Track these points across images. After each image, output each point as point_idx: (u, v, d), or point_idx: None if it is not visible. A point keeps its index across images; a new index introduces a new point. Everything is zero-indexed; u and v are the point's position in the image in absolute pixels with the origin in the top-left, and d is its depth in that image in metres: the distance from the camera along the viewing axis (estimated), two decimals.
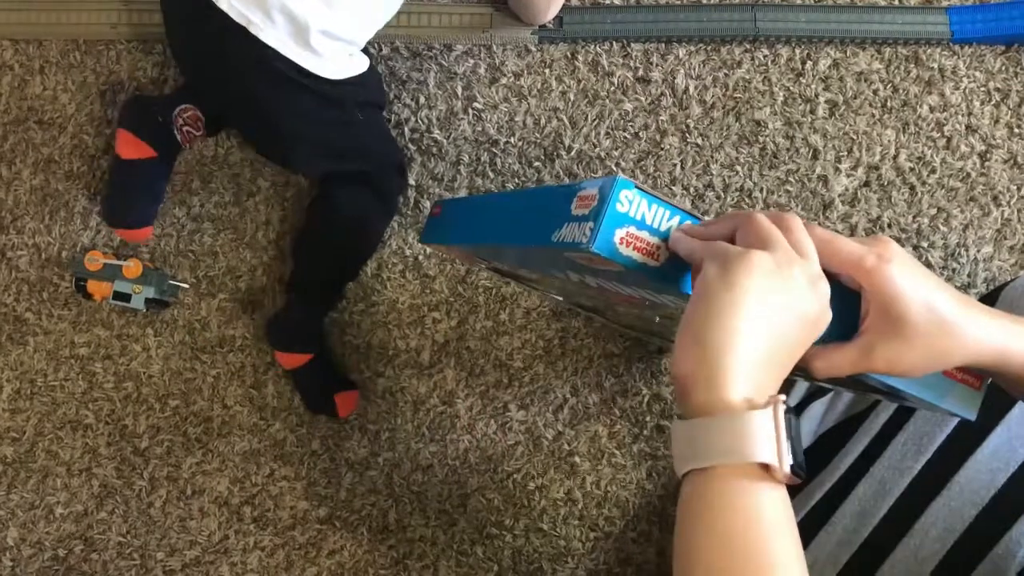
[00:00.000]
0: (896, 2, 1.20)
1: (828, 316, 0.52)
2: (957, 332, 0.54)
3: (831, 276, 0.54)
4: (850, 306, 0.55)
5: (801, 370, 0.67)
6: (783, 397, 0.48)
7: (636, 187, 0.53)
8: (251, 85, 1.01)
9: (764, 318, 0.49)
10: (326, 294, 1.16)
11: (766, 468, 0.47)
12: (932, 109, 1.18)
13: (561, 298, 1.06)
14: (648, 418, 1.14)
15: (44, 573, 1.16)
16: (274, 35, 0.96)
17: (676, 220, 0.55)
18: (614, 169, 1.18)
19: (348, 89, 1.04)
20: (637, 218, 0.53)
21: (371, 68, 1.09)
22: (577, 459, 1.14)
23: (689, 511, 0.49)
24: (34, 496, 1.17)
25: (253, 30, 0.96)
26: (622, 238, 0.53)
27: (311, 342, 1.13)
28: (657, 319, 0.81)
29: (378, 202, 1.14)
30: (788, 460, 0.47)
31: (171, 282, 1.17)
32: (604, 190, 0.53)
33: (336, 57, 1.02)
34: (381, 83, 1.17)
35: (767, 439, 0.47)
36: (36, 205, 1.21)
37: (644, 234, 0.54)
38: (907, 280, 0.53)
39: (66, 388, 1.18)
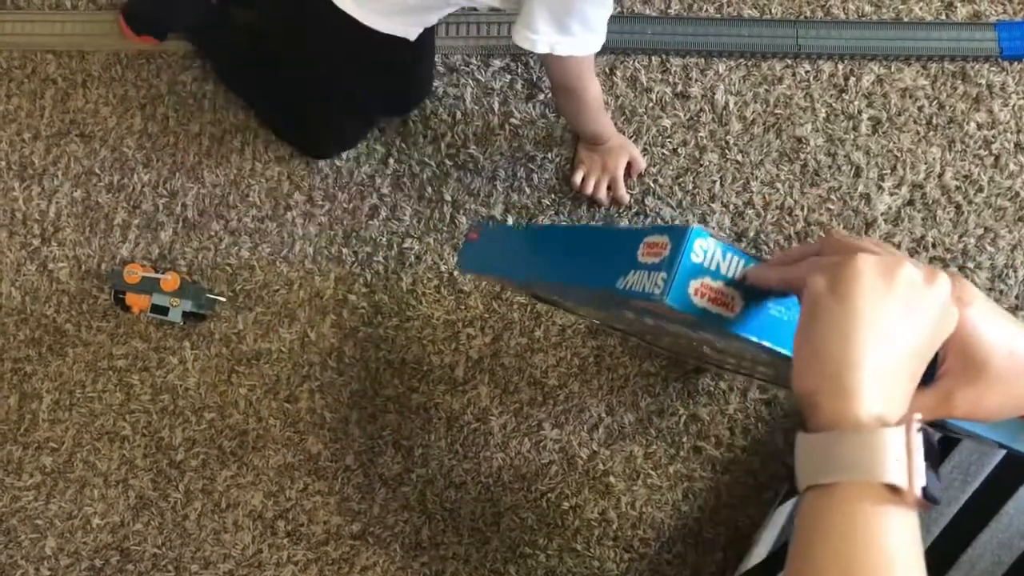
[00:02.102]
0: (943, 17, 1.18)
1: (954, 314, 0.48)
2: None
3: None
4: None
5: None
6: (918, 415, 0.45)
7: (711, 236, 0.51)
8: None
9: (885, 325, 0.46)
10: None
11: (894, 490, 0.44)
12: (980, 126, 1.15)
13: (598, 321, 1.05)
14: (685, 439, 1.13)
15: None
16: None
17: (750, 269, 0.53)
18: (651, 185, 1.17)
19: None
20: (712, 268, 0.51)
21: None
22: (612, 479, 1.13)
23: (807, 528, 0.46)
24: (72, 506, 1.18)
25: None
26: (696, 289, 0.51)
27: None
28: (706, 348, 0.80)
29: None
30: (920, 482, 0.44)
31: (208, 295, 1.18)
32: (677, 239, 0.51)
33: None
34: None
35: (897, 459, 0.44)
36: (77, 217, 1.22)
37: (719, 284, 0.52)
38: (988, 324, 0.51)
39: (104, 399, 1.19)
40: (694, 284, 0.51)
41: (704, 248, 0.51)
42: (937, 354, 0.53)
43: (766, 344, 0.53)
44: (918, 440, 0.44)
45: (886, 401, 0.46)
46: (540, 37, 0.92)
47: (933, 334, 0.48)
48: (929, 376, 0.53)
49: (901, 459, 0.44)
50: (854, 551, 0.44)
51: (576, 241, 0.67)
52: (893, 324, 0.46)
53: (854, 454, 0.45)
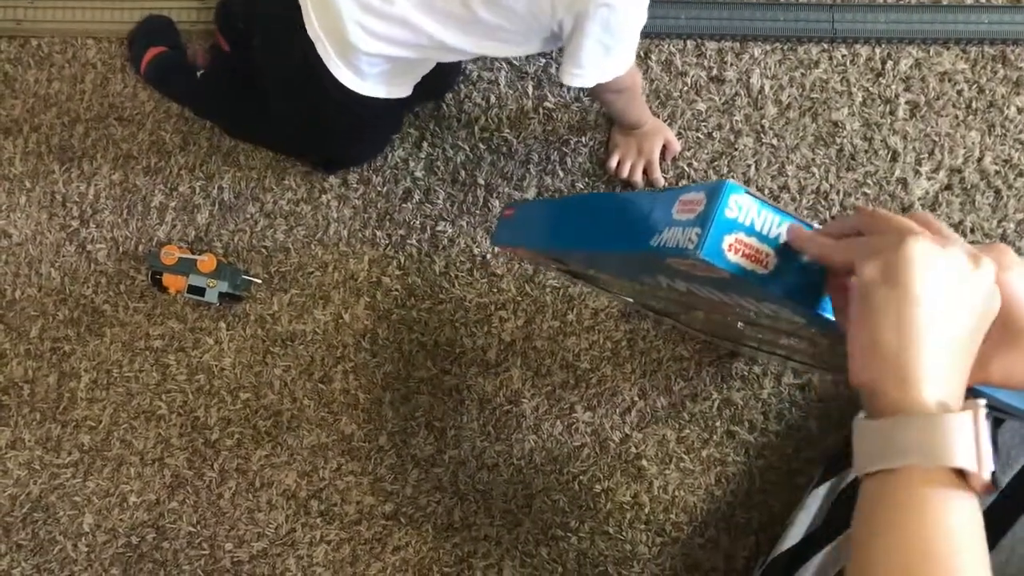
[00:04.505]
0: (983, 0, 1.16)
1: (998, 294, 0.48)
2: None
3: None
4: None
5: None
6: (983, 401, 0.45)
7: (746, 192, 0.51)
8: None
9: (940, 310, 0.46)
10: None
11: (960, 474, 0.44)
12: (1020, 110, 1.14)
13: (631, 300, 1.05)
14: (718, 423, 1.12)
15: (117, 559, 1.19)
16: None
17: (786, 226, 0.52)
18: (686, 169, 1.17)
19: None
20: (746, 224, 0.51)
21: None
22: (644, 463, 1.13)
23: (871, 512, 0.47)
24: (109, 484, 1.20)
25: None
26: (731, 244, 0.51)
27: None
28: (740, 325, 0.79)
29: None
30: (989, 467, 0.44)
31: (244, 277, 1.19)
32: (712, 194, 0.51)
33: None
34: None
35: (967, 443, 0.44)
36: (115, 200, 1.24)
37: (753, 240, 0.51)
38: None
39: (141, 379, 1.21)
40: (728, 239, 0.51)
41: (739, 203, 0.51)
42: None
43: (797, 302, 0.53)
44: (986, 425, 0.44)
45: (947, 384, 0.46)
46: (585, 71, 0.92)
47: (983, 315, 0.48)
48: None
49: (970, 444, 0.44)
50: (920, 534, 0.44)
51: (611, 206, 0.67)
52: (947, 308, 0.46)
53: (920, 438, 0.45)
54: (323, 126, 1.11)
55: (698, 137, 1.17)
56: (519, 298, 1.17)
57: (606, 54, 0.91)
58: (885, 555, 0.45)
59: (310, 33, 0.97)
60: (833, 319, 0.53)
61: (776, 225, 0.52)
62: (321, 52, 0.97)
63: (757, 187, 1.15)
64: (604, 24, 0.87)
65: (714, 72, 1.18)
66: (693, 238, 0.51)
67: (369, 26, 0.93)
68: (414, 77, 1.06)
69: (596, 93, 1.02)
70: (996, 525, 0.84)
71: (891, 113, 1.15)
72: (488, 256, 1.18)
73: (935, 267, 0.46)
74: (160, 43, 1.23)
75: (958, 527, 0.44)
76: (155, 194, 1.24)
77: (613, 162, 1.15)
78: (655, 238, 0.55)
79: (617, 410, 1.14)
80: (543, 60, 1.20)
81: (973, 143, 1.14)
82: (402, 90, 1.06)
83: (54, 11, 1.29)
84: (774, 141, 1.16)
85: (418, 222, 1.19)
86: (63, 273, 1.24)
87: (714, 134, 1.17)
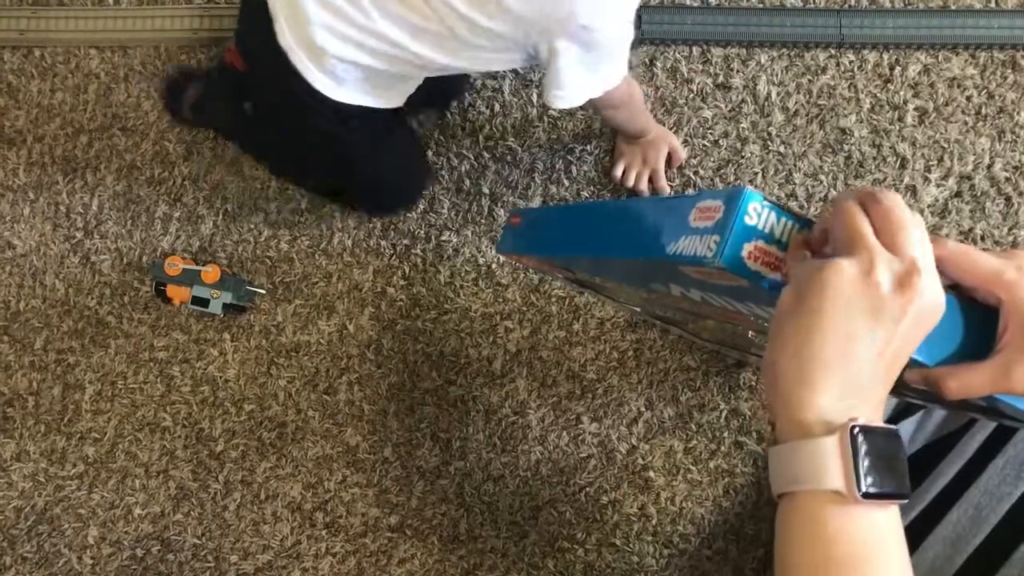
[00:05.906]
0: (992, 5, 1.15)
1: (934, 311, 0.47)
2: None
3: (966, 291, 0.51)
4: (986, 322, 0.51)
5: (911, 390, 0.64)
6: (861, 420, 0.46)
7: (765, 198, 0.50)
8: None
9: (840, 337, 0.46)
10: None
11: (842, 494, 0.46)
12: None
13: (638, 309, 1.04)
14: (726, 434, 1.11)
15: (122, 572, 1.18)
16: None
17: (805, 233, 0.52)
18: (692, 177, 1.16)
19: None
20: (766, 231, 0.50)
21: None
22: (652, 474, 1.12)
23: (780, 534, 0.49)
24: (114, 496, 1.19)
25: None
26: (750, 252, 0.50)
27: None
28: (751, 334, 0.78)
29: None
30: (858, 487, 0.45)
31: (248, 287, 1.18)
32: (731, 202, 0.50)
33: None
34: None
35: (834, 465, 0.46)
36: (119, 210, 1.24)
37: (773, 248, 0.51)
38: None
39: (145, 391, 1.20)
40: (747, 247, 0.50)
41: (758, 211, 0.50)
42: (997, 326, 0.51)
43: None
44: (859, 443, 0.46)
45: (838, 408, 0.47)
46: (568, 92, 0.90)
47: (904, 337, 0.47)
48: (988, 349, 0.51)
49: (836, 466, 0.46)
50: (823, 550, 0.47)
51: (623, 213, 0.67)
52: (852, 333, 0.46)
53: (798, 465, 0.48)
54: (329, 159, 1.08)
55: (704, 145, 1.16)
56: (524, 308, 1.16)
57: (589, 72, 0.88)
58: (793, 568, 0.48)
59: (282, 44, 0.92)
60: None
61: (796, 232, 0.52)
62: (295, 61, 0.93)
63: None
64: (584, 45, 0.85)
65: (720, 79, 1.17)
66: (712, 246, 0.51)
67: (336, 28, 0.89)
68: (402, 91, 1.02)
69: (595, 108, 1.00)
70: (1008, 538, 0.83)
71: (899, 119, 1.14)
72: (493, 266, 1.17)
73: (848, 292, 0.46)
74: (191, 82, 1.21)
75: (860, 538, 0.46)
76: (159, 205, 1.23)
77: (618, 171, 1.14)
78: (671, 246, 0.55)
79: (624, 421, 1.13)
80: None
81: (983, 149, 1.13)
82: (387, 101, 1.01)
83: (57, 21, 1.28)
84: (781, 148, 1.15)
85: (423, 232, 1.18)
86: (67, 284, 1.23)
87: (720, 141, 1.16)
